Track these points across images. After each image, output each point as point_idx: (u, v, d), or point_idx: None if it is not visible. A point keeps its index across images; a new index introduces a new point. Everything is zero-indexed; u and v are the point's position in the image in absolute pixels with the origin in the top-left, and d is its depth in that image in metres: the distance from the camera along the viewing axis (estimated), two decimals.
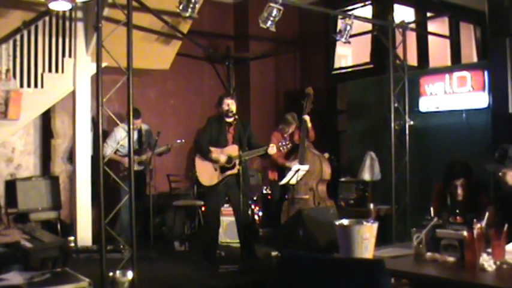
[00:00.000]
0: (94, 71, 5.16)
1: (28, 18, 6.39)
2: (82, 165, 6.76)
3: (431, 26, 9.56)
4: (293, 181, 6.42)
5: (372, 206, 7.01)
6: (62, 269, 4.37)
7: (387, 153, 6.89)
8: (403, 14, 8.50)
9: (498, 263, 3.14)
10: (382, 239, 3.84)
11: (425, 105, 7.25)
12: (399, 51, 7.14)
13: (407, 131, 6.97)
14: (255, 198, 7.66)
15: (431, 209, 3.90)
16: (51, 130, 7.57)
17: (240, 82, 9.18)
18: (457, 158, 4.62)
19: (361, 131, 8.14)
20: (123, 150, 6.77)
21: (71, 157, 7.33)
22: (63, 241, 5.47)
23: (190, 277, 5.65)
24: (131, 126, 4.68)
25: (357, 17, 6.54)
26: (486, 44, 7.64)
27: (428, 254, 3.41)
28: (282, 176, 6.57)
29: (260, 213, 7.54)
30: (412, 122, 7.11)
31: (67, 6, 5.70)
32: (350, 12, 7.12)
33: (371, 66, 8.79)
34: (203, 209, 7.21)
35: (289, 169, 6.42)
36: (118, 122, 5.03)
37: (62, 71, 6.75)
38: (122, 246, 5.83)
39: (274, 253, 6.37)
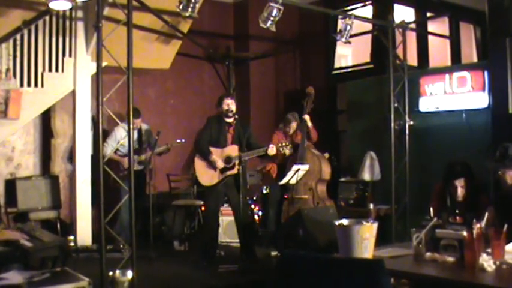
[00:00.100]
0: (94, 70, 5.16)
1: (28, 18, 6.40)
2: (82, 165, 6.76)
3: (431, 26, 9.56)
4: (293, 181, 6.42)
5: (371, 206, 7.01)
6: (62, 268, 4.37)
7: (387, 153, 6.90)
8: (403, 14, 8.50)
9: (498, 263, 3.14)
10: (381, 239, 3.84)
11: (425, 105, 7.25)
12: (399, 51, 7.15)
13: (407, 131, 6.98)
14: (254, 198, 7.66)
15: (431, 209, 3.90)
16: (51, 129, 7.57)
17: (240, 82, 9.18)
18: (457, 158, 4.62)
19: (361, 131, 8.14)
20: (123, 149, 6.77)
21: (71, 157, 7.33)
22: (63, 240, 5.47)
23: (190, 277, 5.64)
24: (131, 126, 4.68)
25: (357, 17, 6.55)
26: (486, 44, 7.64)
27: (428, 254, 3.41)
28: (281, 175, 6.57)
29: (260, 213, 7.54)
30: (412, 122, 7.11)
31: (67, 6, 5.71)
32: (350, 12, 7.13)
33: (371, 66, 8.79)
34: (203, 208, 7.21)
35: (289, 168, 6.42)
36: (118, 121, 5.03)
37: (62, 71, 6.75)
38: (121, 246, 5.83)
39: (274, 253, 6.37)
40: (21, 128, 7.02)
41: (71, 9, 6.54)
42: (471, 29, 10.11)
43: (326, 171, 6.70)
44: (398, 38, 7.17)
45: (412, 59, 8.55)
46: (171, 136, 7.63)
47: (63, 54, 6.75)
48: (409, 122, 7.04)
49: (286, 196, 6.66)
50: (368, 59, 8.93)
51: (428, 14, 9.29)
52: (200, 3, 5.77)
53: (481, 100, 6.71)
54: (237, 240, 6.19)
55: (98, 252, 4.64)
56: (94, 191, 6.59)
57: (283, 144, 5.93)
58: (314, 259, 2.59)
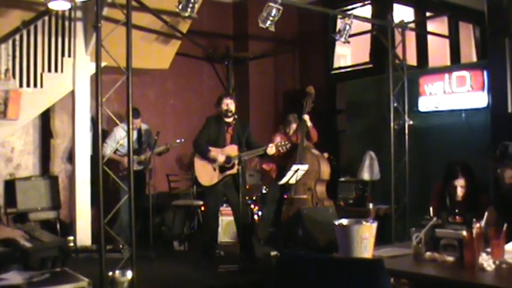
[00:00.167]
0: (93, 70, 5.16)
1: (27, 18, 6.39)
2: (81, 165, 6.76)
3: (431, 26, 9.56)
4: (292, 181, 6.42)
5: (371, 205, 7.02)
6: (61, 268, 4.37)
7: (386, 153, 6.90)
8: (403, 13, 8.50)
9: (497, 262, 3.14)
10: (381, 239, 3.85)
11: (424, 105, 7.25)
12: (398, 51, 7.15)
13: (406, 131, 6.98)
14: (254, 198, 7.66)
15: (431, 208, 3.90)
16: (50, 130, 7.56)
17: (239, 82, 9.18)
18: (456, 158, 4.62)
19: (360, 130, 8.14)
20: (122, 149, 6.76)
21: (70, 157, 7.33)
22: (63, 241, 5.47)
23: (190, 277, 5.64)
24: (130, 126, 4.68)
25: (356, 17, 6.54)
26: (485, 43, 7.64)
27: (428, 253, 3.41)
28: (281, 175, 6.57)
29: (260, 213, 7.54)
30: (411, 122, 7.11)
31: (66, 6, 5.70)
32: (349, 12, 7.13)
33: (370, 66, 8.79)
34: (202, 208, 7.22)
35: (289, 168, 6.42)
36: (117, 121, 5.02)
37: (62, 71, 6.75)
38: (121, 246, 5.83)
39: (273, 253, 6.37)
40: (21, 129, 7.02)
41: (70, 10, 6.54)
42: (470, 29, 10.12)
43: (325, 171, 6.69)
44: (398, 37, 7.17)
45: (412, 59, 8.55)
46: (170, 136, 7.63)
47: (63, 55, 6.75)
48: (408, 122, 7.04)
49: (286, 196, 6.66)
50: (367, 59, 8.93)
51: (428, 14, 9.29)
52: (199, 3, 5.78)
53: (480, 100, 6.71)
54: (237, 240, 6.19)
55: (98, 253, 4.64)
56: (93, 191, 6.59)
57: (283, 143, 5.93)
58: (314, 259, 2.59)
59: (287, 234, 6.02)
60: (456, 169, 4.16)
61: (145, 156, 6.96)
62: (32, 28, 6.49)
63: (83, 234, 6.65)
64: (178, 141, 7.19)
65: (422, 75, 7.39)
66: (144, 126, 7.34)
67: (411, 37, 8.69)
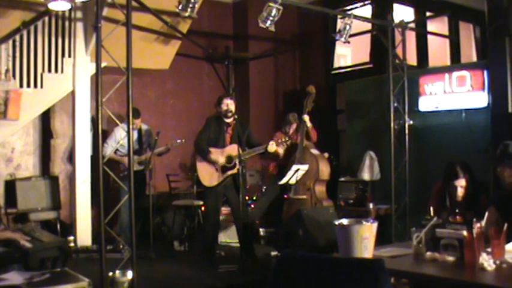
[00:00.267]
0: (93, 71, 5.17)
1: (27, 19, 6.40)
2: (82, 165, 6.77)
3: (431, 26, 9.56)
4: (292, 181, 6.42)
5: (371, 205, 7.02)
6: (62, 269, 4.36)
7: (387, 153, 6.91)
8: (403, 13, 8.50)
9: (498, 262, 3.14)
10: (381, 239, 3.85)
11: (424, 104, 7.25)
12: (399, 50, 7.15)
13: (406, 131, 6.99)
14: (254, 198, 7.66)
15: (431, 208, 3.89)
16: (50, 130, 7.56)
17: (239, 82, 9.18)
18: (456, 158, 4.62)
19: (360, 130, 8.14)
20: (123, 150, 6.77)
21: (70, 157, 7.33)
22: (63, 241, 5.46)
23: (190, 277, 5.65)
24: (130, 126, 4.68)
25: (356, 17, 6.55)
26: (486, 43, 7.63)
27: (428, 253, 3.41)
28: (281, 175, 6.57)
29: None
30: (411, 122, 7.12)
31: (66, 6, 5.71)
32: (349, 12, 7.13)
33: (370, 65, 8.78)
34: (203, 209, 7.22)
35: (289, 168, 6.42)
36: (117, 122, 5.02)
37: (62, 71, 6.76)
38: (121, 246, 5.83)
39: (273, 253, 6.37)
40: (21, 129, 7.02)
41: (70, 10, 6.55)
42: (470, 29, 10.11)
43: (324, 171, 6.69)
44: (398, 37, 7.17)
45: (412, 59, 8.55)
46: (170, 136, 7.63)
47: (63, 55, 6.76)
48: (408, 122, 7.04)
49: (286, 196, 6.66)
50: (367, 59, 8.93)
51: (428, 14, 9.29)
52: (199, 4, 5.78)
53: (480, 99, 6.71)
54: (237, 241, 6.19)
55: (98, 253, 4.64)
56: (94, 191, 6.59)
57: (283, 139, 5.92)
58: (314, 259, 2.59)
59: (287, 234, 6.02)
60: (456, 169, 4.16)
61: (146, 156, 6.96)
62: (32, 28, 6.50)
63: (83, 235, 6.66)
64: (178, 141, 7.19)
65: (423, 75, 7.39)
66: (144, 127, 7.34)
67: (411, 37, 8.69)
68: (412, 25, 7.71)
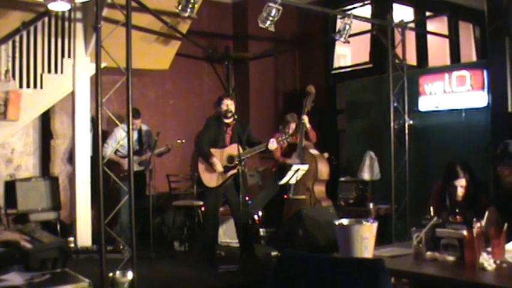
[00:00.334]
0: (93, 71, 5.16)
1: (27, 19, 6.40)
2: (82, 166, 6.77)
3: (431, 26, 9.56)
4: (293, 181, 6.42)
5: (371, 205, 7.02)
6: (62, 269, 4.36)
7: (387, 153, 6.91)
8: (402, 13, 8.50)
9: (498, 262, 3.14)
10: (381, 239, 3.85)
11: (424, 104, 7.25)
12: (398, 50, 7.15)
13: (406, 131, 6.99)
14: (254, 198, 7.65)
15: (431, 208, 3.90)
16: (50, 131, 7.56)
17: (239, 82, 9.18)
18: (456, 158, 4.62)
19: (360, 130, 8.14)
20: (123, 150, 6.77)
21: (70, 158, 7.33)
22: (63, 242, 5.45)
23: (190, 277, 5.65)
24: (130, 127, 4.68)
25: (356, 17, 6.55)
26: (485, 43, 7.64)
27: (428, 253, 3.41)
28: (282, 175, 6.57)
29: (260, 213, 7.54)
30: (411, 122, 7.11)
31: (66, 7, 5.71)
32: (349, 12, 7.14)
33: (370, 65, 8.78)
34: (203, 209, 7.22)
35: (290, 168, 6.42)
36: (117, 122, 5.02)
37: (61, 72, 6.76)
38: (121, 247, 5.83)
39: (274, 253, 6.37)
40: (21, 130, 7.02)
41: (69, 11, 6.55)
42: (470, 28, 10.12)
43: (323, 171, 6.69)
44: (398, 37, 7.17)
45: (411, 59, 8.55)
46: (170, 136, 7.63)
47: (63, 56, 6.76)
48: (408, 122, 7.04)
49: (286, 196, 6.66)
50: (367, 59, 8.93)
51: (428, 13, 9.29)
52: (199, 4, 5.78)
53: (480, 99, 6.71)
54: (237, 241, 6.19)
55: (98, 253, 4.64)
56: (94, 192, 6.59)
57: (283, 136, 5.90)
58: (314, 259, 2.59)
59: (287, 234, 6.03)
60: (456, 169, 4.16)
61: (146, 156, 6.96)
62: (32, 29, 6.50)
63: (84, 235, 6.66)
64: (179, 141, 7.19)
65: (422, 75, 7.38)
66: (144, 127, 7.33)
67: (411, 37, 8.69)
68: (412, 25, 7.71)
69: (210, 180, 5.95)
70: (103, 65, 4.69)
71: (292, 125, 6.98)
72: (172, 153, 7.54)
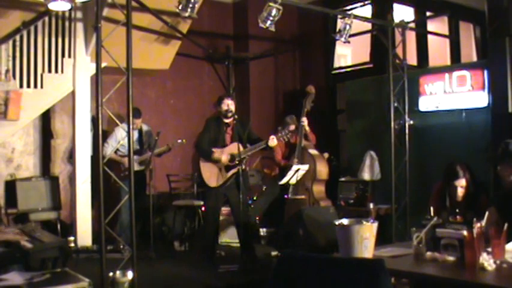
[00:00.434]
0: (94, 71, 5.16)
1: (27, 19, 6.40)
2: (82, 166, 6.77)
3: (431, 26, 9.56)
4: (293, 181, 6.42)
5: (371, 205, 7.01)
6: (62, 269, 4.37)
7: (387, 153, 6.91)
8: (403, 13, 8.50)
9: (498, 262, 3.14)
10: (382, 239, 3.85)
11: (425, 104, 7.25)
12: (399, 50, 7.15)
13: (407, 131, 6.98)
14: (254, 198, 7.66)
15: (431, 208, 3.90)
16: (51, 130, 7.57)
17: (239, 82, 9.18)
18: (456, 158, 4.62)
19: (360, 130, 8.14)
20: (123, 150, 6.76)
21: (71, 157, 7.33)
22: (63, 241, 5.47)
23: (190, 277, 5.65)
24: (131, 126, 4.68)
25: (356, 17, 6.54)
26: (486, 43, 7.64)
27: (428, 253, 3.41)
28: (282, 175, 6.57)
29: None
30: (411, 122, 7.11)
31: (66, 7, 5.70)
32: (349, 12, 7.12)
33: (371, 65, 8.78)
34: (203, 209, 7.22)
35: (290, 168, 6.42)
36: (118, 122, 5.02)
37: (62, 71, 6.76)
38: (121, 246, 5.83)
39: (274, 253, 6.37)
40: (21, 129, 7.02)
41: (70, 10, 6.55)
42: (471, 28, 10.11)
43: (322, 171, 6.69)
44: (398, 37, 7.17)
45: (412, 59, 8.55)
46: (171, 136, 7.63)
47: (63, 55, 6.77)
48: (408, 122, 7.04)
49: (286, 196, 6.66)
50: (367, 59, 8.93)
51: (428, 14, 9.29)
52: (199, 4, 5.78)
53: (480, 99, 6.71)
54: (237, 241, 6.19)
55: (98, 253, 4.64)
56: (94, 191, 6.59)
57: (284, 133, 5.89)
58: (314, 259, 2.59)
59: (287, 234, 6.03)
60: (456, 169, 4.16)
61: (146, 156, 6.96)
62: (32, 29, 6.50)
63: (84, 235, 6.66)
64: (179, 141, 7.18)
65: (423, 75, 7.39)
66: (145, 128, 7.33)
67: (411, 37, 8.69)
68: (412, 25, 7.71)
69: (212, 180, 5.95)
70: (103, 64, 4.69)
71: (292, 127, 6.97)
72: (173, 153, 7.54)
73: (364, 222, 3.38)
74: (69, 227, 7.06)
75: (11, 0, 6.27)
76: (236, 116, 5.95)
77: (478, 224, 3.29)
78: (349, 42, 6.46)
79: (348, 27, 6.26)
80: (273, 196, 7.01)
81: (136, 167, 6.46)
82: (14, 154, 7.25)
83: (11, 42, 6.39)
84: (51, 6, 5.59)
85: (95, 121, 6.64)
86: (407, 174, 6.86)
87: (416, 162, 6.98)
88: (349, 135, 8.46)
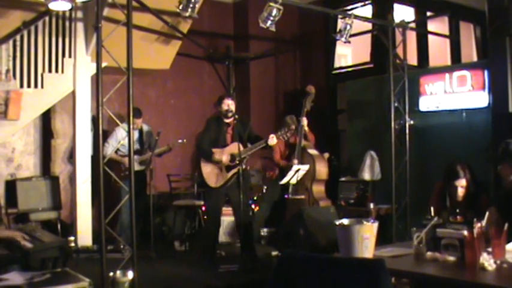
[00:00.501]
0: (94, 71, 5.17)
1: (28, 19, 6.40)
2: (82, 165, 6.77)
3: (431, 26, 9.56)
4: (293, 181, 6.42)
5: (372, 205, 7.01)
6: (62, 269, 4.37)
7: (387, 153, 6.90)
8: (403, 13, 8.50)
9: (498, 262, 3.13)
10: (382, 239, 3.85)
11: (425, 104, 7.25)
12: (399, 50, 7.15)
13: (407, 131, 6.98)
14: (255, 198, 7.66)
15: (431, 208, 3.90)
16: (51, 130, 7.57)
17: (240, 82, 9.18)
18: (457, 158, 4.62)
19: (361, 130, 8.14)
20: (124, 149, 6.76)
21: (71, 157, 7.33)
22: (64, 241, 5.45)
23: (191, 277, 5.65)
24: (131, 126, 4.68)
25: (357, 17, 6.54)
26: (486, 43, 7.64)
27: (429, 253, 3.41)
28: (282, 175, 6.57)
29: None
30: (412, 122, 7.11)
31: (67, 6, 5.71)
32: (350, 12, 7.12)
33: (371, 65, 8.78)
34: (203, 208, 7.22)
35: (290, 168, 6.42)
36: (118, 122, 5.02)
37: (62, 71, 6.76)
38: (122, 246, 5.83)
39: (274, 253, 6.37)
40: (22, 129, 7.02)
41: (70, 10, 6.55)
42: (471, 28, 10.11)
43: (321, 171, 6.68)
44: (398, 37, 7.17)
45: (412, 59, 8.54)
46: (171, 136, 7.63)
47: (63, 55, 6.77)
48: (409, 122, 7.04)
49: (287, 196, 6.66)
50: (368, 59, 8.93)
51: (428, 14, 9.29)
52: (200, 4, 5.78)
53: (481, 99, 6.70)
54: (238, 240, 6.19)
55: (99, 253, 4.64)
56: (94, 191, 6.59)
57: (284, 130, 5.88)
58: (314, 259, 2.59)
59: (288, 234, 6.02)
60: (457, 169, 4.16)
61: (147, 156, 6.96)
62: (32, 28, 6.50)
63: (84, 235, 6.66)
64: (180, 141, 7.18)
65: (423, 75, 7.39)
66: (145, 128, 7.33)
67: (412, 37, 8.68)
68: (413, 25, 7.71)
69: (213, 180, 5.95)
70: (104, 64, 4.69)
71: (291, 127, 6.97)
72: (173, 153, 7.54)
73: (365, 222, 3.38)
74: (70, 227, 7.06)
75: (12, 0, 6.27)
76: (236, 116, 5.95)
77: (479, 224, 3.29)
78: (349, 42, 6.46)
79: (348, 27, 6.26)
80: (273, 200, 7.01)
81: (136, 167, 6.45)
82: (15, 154, 7.25)
83: (11, 42, 6.39)
84: (52, 6, 5.59)
85: (95, 121, 6.64)
86: (407, 174, 6.86)
87: (417, 162, 6.98)
88: (350, 135, 8.46)
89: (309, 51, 9.61)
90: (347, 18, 6.27)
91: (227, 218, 7.02)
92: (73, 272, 4.21)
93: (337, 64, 9.66)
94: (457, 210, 4.05)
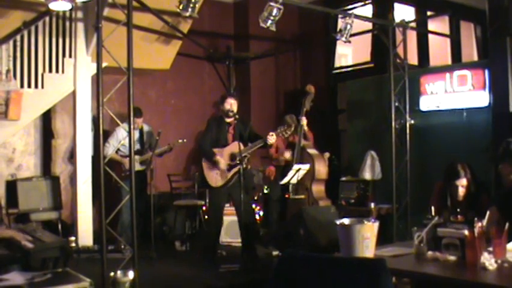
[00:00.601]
0: (94, 71, 5.16)
1: (28, 19, 6.40)
2: (83, 166, 6.77)
3: (432, 25, 9.56)
4: (294, 180, 6.42)
5: (372, 205, 7.01)
6: (63, 269, 4.37)
7: (388, 153, 6.90)
8: (404, 13, 8.50)
9: (499, 261, 3.13)
10: (383, 238, 3.84)
11: (425, 104, 7.25)
12: (399, 50, 7.15)
13: (407, 130, 6.98)
14: (255, 198, 7.66)
15: (432, 208, 3.90)
16: (51, 130, 7.57)
17: (240, 82, 9.17)
18: (457, 157, 4.62)
19: (361, 130, 8.14)
20: (124, 149, 6.76)
21: (71, 157, 7.33)
22: (64, 241, 5.46)
23: (191, 277, 5.65)
24: (132, 126, 4.68)
25: (357, 16, 6.54)
26: (487, 42, 7.63)
27: (430, 253, 3.41)
28: (282, 175, 6.57)
29: (261, 213, 7.53)
30: (412, 121, 7.11)
31: (67, 7, 5.70)
32: (350, 12, 7.12)
33: (371, 65, 8.78)
34: (204, 208, 7.21)
35: (290, 168, 6.41)
36: (119, 122, 5.02)
37: (63, 71, 6.76)
38: (122, 246, 5.83)
39: (275, 252, 6.37)
40: (22, 129, 7.03)
41: (71, 10, 6.55)
42: (471, 28, 10.11)
43: (321, 171, 6.68)
44: (399, 37, 7.16)
45: (413, 58, 8.54)
46: (171, 136, 7.63)
47: (64, 55, 6.76)
48: (409, 121, 7.04)
49: (287, 196, 6.66)
50: (368, 58, 8.93)
51: (429, 13, 9.29)
52: (200, 3, 5.78)
53: (481, 99, 6.70)
54: (239, 240, 6.19)
55: (99, 253, 4.64)
56: (95, 191, 6.59)
57: (283, 128, 5.87)
58: (315, 259, 2.59)
59: (288, 234, 6.02)
60: (457, 169, 4.15)
61: (147, 156, 6.96)
62: (32, 29, 6.50)
63: (85, 235, 6.66)
64: (180, 141, 7.18)
65: (424, 75, 7.38)
66: (146, 128, 7.32)
67: (412, 36, 8.69)
68: (413, 24, 7.70)
69: (214, 179, 5.95)
70: (104, 64, 4.69)
71: (291, 126, 6.96)
72: (174, 152, 7.54)
73: (365, 222, 3.38)
74: (70, 227, 7.06)
75: (12, 0, 6.27)
76: (237, 116, 5.95)
77: (479, 224, 3.29)
78: (349, 41, 6.45)
79: (348, 26, 6.25)
80: (277, 203, 7.01)
81: (137, 167, 6.46)
82: (15, 154, 7.25)
83: (11, 42, 6.38)
84: (52, 6, 5.59)
85: (95, 121, 6.64)
86: (408, 174, 6.86)
87: (417, 162, 6.98)
88: (350, 135, 8.46)
89: (309, 51, 9.60)
90: (347, 18, 6.27)
91: (228, 218, 7.02)
92: (74, 272, 4.21)
93: (337, 64, 9.66)
94: (458, 210, 4.05)
